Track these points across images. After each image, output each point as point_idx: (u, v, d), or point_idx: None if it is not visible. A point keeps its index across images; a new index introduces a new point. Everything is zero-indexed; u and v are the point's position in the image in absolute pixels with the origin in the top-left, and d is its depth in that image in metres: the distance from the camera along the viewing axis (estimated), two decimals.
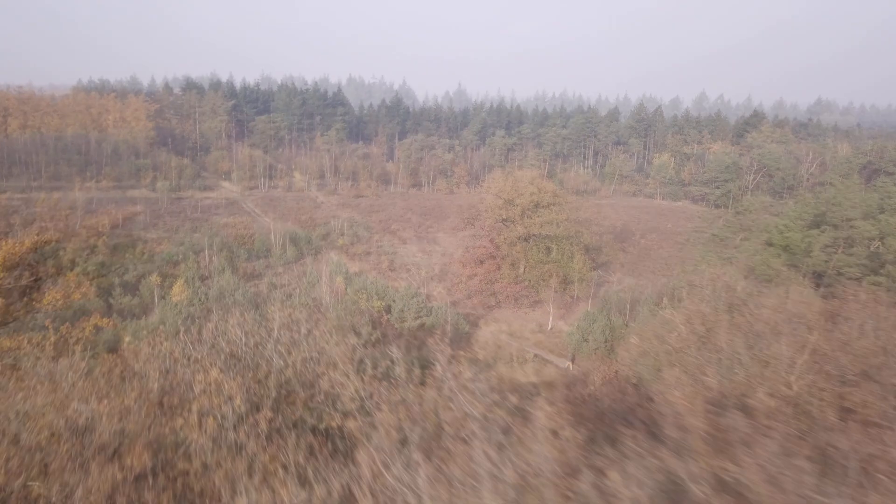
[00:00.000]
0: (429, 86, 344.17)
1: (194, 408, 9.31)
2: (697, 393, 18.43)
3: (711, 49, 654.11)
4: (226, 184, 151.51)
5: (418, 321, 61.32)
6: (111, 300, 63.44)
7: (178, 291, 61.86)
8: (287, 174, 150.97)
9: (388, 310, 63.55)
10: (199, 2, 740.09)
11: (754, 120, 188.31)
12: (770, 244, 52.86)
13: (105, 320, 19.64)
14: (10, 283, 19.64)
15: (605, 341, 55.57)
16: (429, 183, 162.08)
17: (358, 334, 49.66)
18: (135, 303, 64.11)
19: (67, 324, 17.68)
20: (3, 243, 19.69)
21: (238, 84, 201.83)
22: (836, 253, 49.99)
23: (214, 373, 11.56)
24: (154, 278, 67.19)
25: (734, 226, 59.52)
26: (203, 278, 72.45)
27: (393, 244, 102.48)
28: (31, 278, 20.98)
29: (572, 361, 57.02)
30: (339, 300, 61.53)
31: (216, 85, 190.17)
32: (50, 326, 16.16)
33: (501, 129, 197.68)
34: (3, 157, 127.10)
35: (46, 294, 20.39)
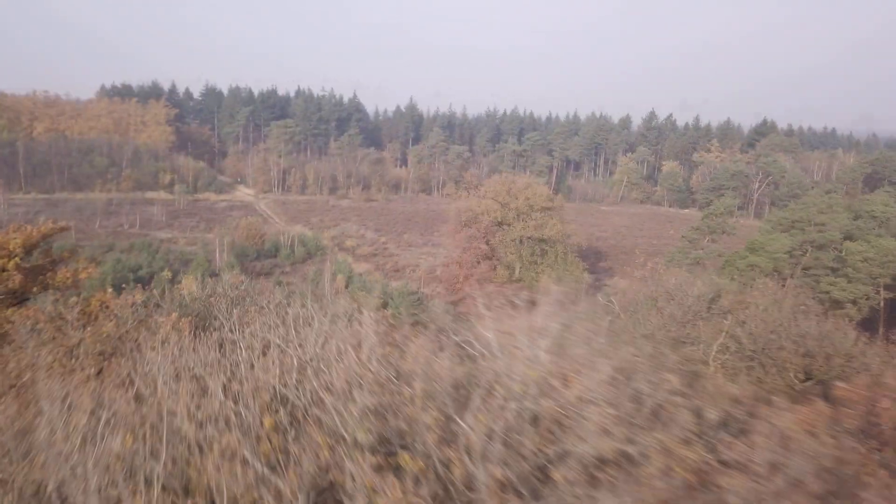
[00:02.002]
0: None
1: (157, 337, 12.33)
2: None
3: (661, 67, 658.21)
4: (241, 187, 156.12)
5: (413, 318, 64.36)
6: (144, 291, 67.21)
7: (188, 287, 65.46)
8: (301, 178, 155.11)
9: (385, 306, 66.75)
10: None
11: (764, 129, 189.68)
12: (751, 249, 55.27)
13: (110, 294, 22.93)
14: (27, 264, 23.17)
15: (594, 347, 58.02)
16: (438, 188, 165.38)
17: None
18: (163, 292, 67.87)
19: (75, 297, 21.00)
20: (24, 229, 23.23)
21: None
22: (803, 255, 52.45)
23: (174, 315, 14.85)
24: (166, 273, 70.98)
25: (703, 228, 62.10)
26: (213, 275, 76.13)
27: (399, 246, 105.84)
28: (47, 259, 24.54)
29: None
30: (338, 297, 64.78)
31: (235, 91, 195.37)
32: (60, 299, 19.50)
33: (513, 136, 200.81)
34: (29, 160, 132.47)
35: (59, 273, 23.91)
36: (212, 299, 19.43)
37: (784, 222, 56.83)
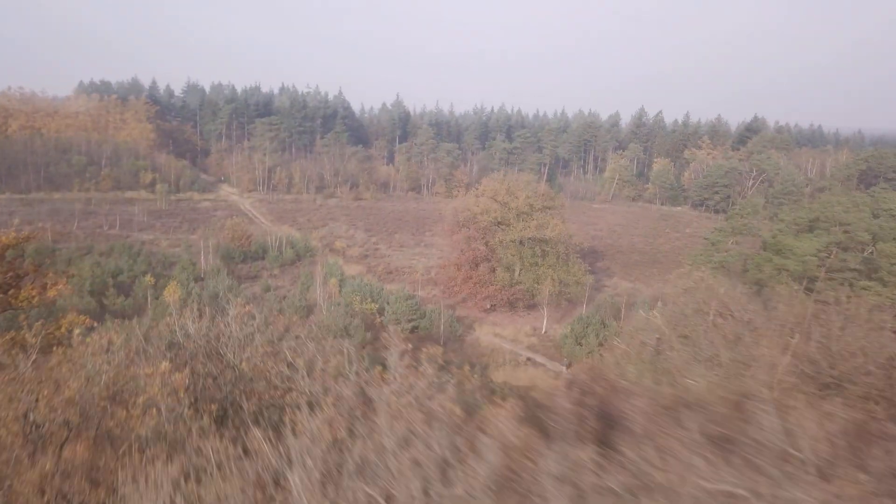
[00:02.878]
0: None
1: (140, 400, 9.29)
2: (672, 395, 18.10)
3: (651, 70, 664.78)
4: (225, 186, 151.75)
5: (411, 324, 61.25)
6: (104, 301, 63.37)
7: (172, 292, 61.79)
8: (286, 177, 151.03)
9: (382, 312, 63.50)
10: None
11: (755, 126, 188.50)
12: (764, 248, 52.79)
13: (82, 317, 19.50)
14: None
15: (599, 345, 55.42)
16: (427, 187, 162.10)
17: (349, 335, 49.54)
18: (128, 304, 64.00)
19: (42, 321, 17.58)
20: None
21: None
22: (829, 258, 49.93)
23: (164, 365, 11.58)
24: (148, 279, 67.15)
25: (726, 230, 59.45)
26: (198, 279, 72.40)
27: (390, 247, 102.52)
28: (9, 274, 20.97)
29: (567, 367, 56.81)
30: (332, 302, 61.49)
31: (217, 88, 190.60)
32: (24, 324, 16.10)
33: (502, 133, 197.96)
34: (3, 159, 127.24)
35: (23, 290, 20.36)
36: (212, 339, 15.73)
37: (801, 222, 54.37)
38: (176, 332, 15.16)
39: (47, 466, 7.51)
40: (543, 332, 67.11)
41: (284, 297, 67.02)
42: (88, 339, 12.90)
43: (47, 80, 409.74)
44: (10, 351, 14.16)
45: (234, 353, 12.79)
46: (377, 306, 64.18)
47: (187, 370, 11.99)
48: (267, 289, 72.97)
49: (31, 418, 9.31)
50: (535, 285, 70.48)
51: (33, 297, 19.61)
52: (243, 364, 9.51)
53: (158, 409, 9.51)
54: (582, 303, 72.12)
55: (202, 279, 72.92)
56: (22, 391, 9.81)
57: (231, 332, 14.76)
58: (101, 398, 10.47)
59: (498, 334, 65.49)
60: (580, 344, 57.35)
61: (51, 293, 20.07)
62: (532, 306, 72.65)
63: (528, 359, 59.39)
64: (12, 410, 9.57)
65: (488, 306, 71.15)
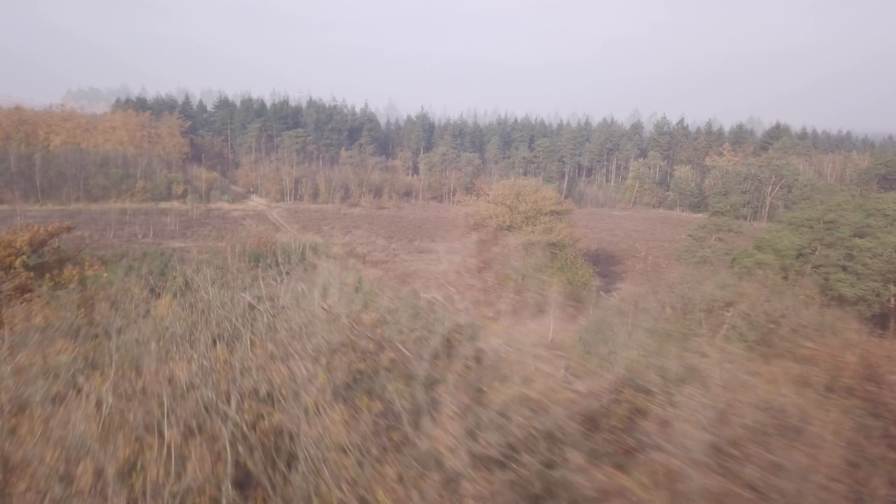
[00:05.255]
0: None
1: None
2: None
3: (669, 73, 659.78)
4: (254, 196, 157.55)
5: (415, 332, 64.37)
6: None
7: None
8: (312, 187, 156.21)
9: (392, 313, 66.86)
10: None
11: (778, 132, 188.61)
12: (758, 247, 55.02)
13: (98, 266, 23.33)
14: (34, 261, 23.67)
15: (609, 352, 57.68)
16: (449, 195, 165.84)
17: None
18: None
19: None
20: (31, 227, 23.76)
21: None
22: (812, 254, 52.06)
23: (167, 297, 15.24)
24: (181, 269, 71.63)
25: (709, 226, 61.72)
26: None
27: (409, 252, 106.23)
28: (54, 257, 25.05)
29: (566, 369, 59.24)
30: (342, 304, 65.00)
31: (247, 102, 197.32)
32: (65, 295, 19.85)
33: (524, 143, 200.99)
34: (46, 173, 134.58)
35: (65, 271, 24.39)
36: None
37: (794, 222, 56.47)
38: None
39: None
40: (550, 338, 69.69)
41: (296, 300, 70.81)
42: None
43: (36, 87, 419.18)
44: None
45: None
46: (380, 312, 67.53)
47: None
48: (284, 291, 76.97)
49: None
50: (542, 289, 73.14)
51: (74, 276, 23.57)
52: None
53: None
54: (590, 306, 74.53)
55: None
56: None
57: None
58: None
59: (503, 338, 68.16)
60: (588, 351, 59.73)
61: (88, 273, 24.05)
62: (539, 310, 75.27)
63: (533, 364, 61.95)
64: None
65: (494, 312, 73.84)
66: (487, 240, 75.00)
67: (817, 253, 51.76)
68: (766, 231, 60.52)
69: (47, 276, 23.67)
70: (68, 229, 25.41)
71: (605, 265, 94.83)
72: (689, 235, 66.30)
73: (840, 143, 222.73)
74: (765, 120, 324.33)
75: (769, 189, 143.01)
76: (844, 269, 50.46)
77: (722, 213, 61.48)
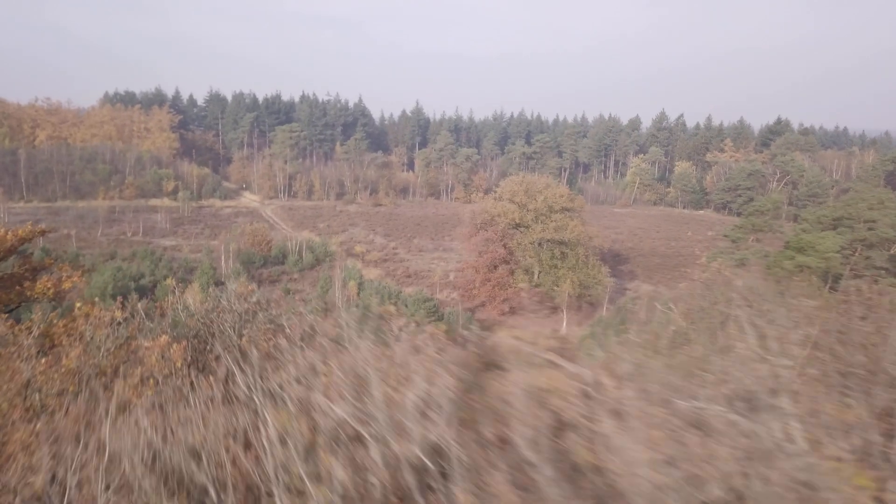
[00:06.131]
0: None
1: (138, 371, 9.29)
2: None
3: (673, 71, 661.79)
4: (247, 193, 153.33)
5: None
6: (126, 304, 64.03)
7: (192, 296, 62.29)
8: (307, 184, 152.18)
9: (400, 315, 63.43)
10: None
11: (779, 128, 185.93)
12: (786, 247, 51.93)
13: (77, 276, 19.66)
14: (1, 272, 19.86)
15: (618, 344, 54.69)
16: (447, 192, 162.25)
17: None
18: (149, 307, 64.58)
19: (57, 311, 17.76)
20: None
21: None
22: (853, 255, 48.91)
23: (164, 339, 11.59)
24: (170, 281, 67.80)
25: (746, 227, 58.51)
26: (218, 283, 72.97)
27: (409, 251, 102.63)
28: (25, 267, 21.23)
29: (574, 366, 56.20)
30: (351, 304, 61.59)
31: (239, 97, 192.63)
32: (39, 313, 16.23)
33: (521, 138, 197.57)
34: (31, 168, 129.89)
35: (38, 283, 20.60)
36: (213, 316, 15.89)
37: (825, 220, 53.37)
38: (178, 310, 15.28)
39: (37, 427, 7.54)
40: (563, 334, 66.56)
41: (304, 300, 67.34)
42: (91, 312, 13.00)
43: (73, 93, 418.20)
44: (13, 329, 14.18)
45: (234, 329, 12.81)
46: (395, 309, 64.15)
47: (186, 343, 12.06)
48: (287, 292, 73.31)
49: (31, 387, 9.41)
50: (555, 288, 69.94)
51: (49, 289, 19.82)
52: (243, 340, 9.51)
53: (156, 380, 9.50)
54: (602, 305, 71.42)
55: (222, 283, 73.49)
56: (22, 362, 9.93)
57: (232, 307, 14.81)
58: (101, 370, 10.53)
59: (517, 337, 65.06)
60: (600, 347, 56.71)
61: (66, 285, 20.28)
62: (552, 309, 72.12)
63: (547, 360, 58.88)
64: (14, 383, 9.66)
65: (507, 309, 70.70)
66: (496, 238, 71.60)
67: (857, 254, 48.65)
68: (792, 231, 57.39)
69: (16, 289, 19.93)
70: (43, 233, 21.63)
71: (614, 264, 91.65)
72: (725, 236, 63.01)
73: (836, 140, 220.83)
74: (760, 117, 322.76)
75: (774, 186, 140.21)
76: (888, 272, 47.26)
77: (762, 213, 58.19)
